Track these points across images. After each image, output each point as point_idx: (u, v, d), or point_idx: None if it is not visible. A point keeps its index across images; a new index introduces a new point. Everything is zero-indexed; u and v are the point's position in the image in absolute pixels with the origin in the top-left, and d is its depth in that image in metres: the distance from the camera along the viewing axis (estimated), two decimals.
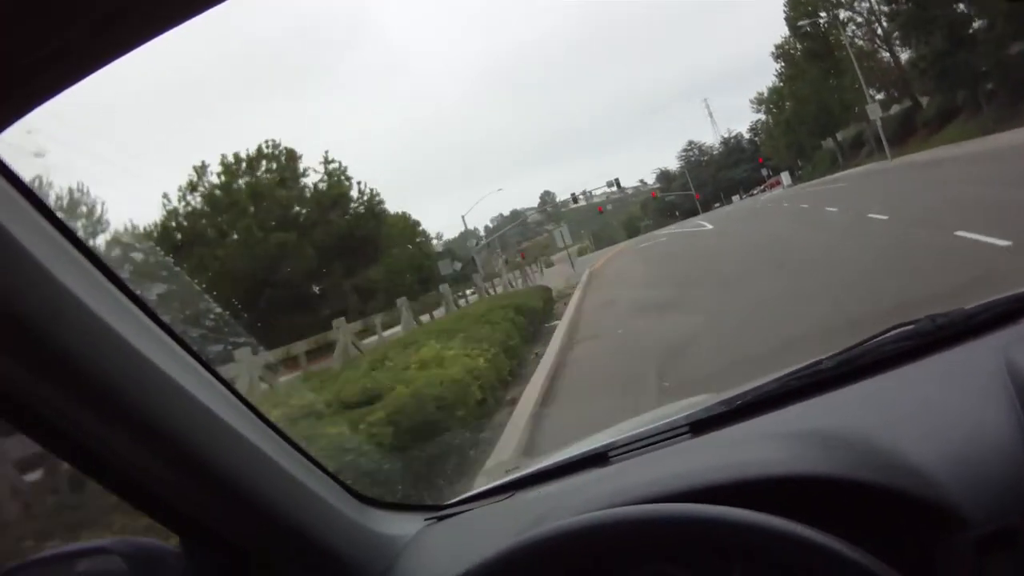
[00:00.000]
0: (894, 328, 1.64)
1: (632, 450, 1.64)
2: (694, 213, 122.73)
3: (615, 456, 1.65)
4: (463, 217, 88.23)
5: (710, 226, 43.09)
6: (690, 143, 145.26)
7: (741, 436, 1.53)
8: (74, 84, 0.95)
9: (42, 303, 0.96)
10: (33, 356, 0.98)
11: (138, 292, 1.12)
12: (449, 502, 1.76)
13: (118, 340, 1.04)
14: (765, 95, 79.96)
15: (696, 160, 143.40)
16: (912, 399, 1.43)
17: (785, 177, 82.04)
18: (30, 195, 0.99)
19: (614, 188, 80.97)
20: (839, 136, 69.37)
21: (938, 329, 1.57)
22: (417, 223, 74.85)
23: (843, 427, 1.38)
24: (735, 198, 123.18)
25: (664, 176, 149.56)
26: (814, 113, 65.62)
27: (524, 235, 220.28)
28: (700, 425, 1.62)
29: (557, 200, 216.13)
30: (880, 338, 1.62)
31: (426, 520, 1.69)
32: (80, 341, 1.00)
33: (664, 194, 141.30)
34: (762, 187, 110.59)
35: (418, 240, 76.80)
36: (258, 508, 1.26)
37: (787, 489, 1.22)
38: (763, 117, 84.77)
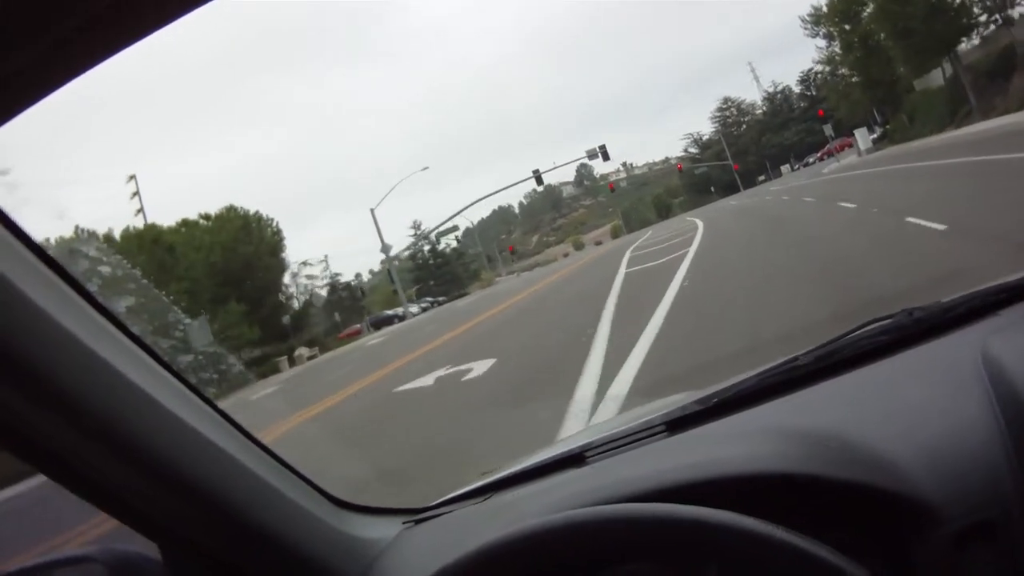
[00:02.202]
0: (871, 322, 1.54)
1: (608, 450, 1.56)
2: (733, 189, 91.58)
3: (591, 456, 1.57)
4: (372, 211, 56.17)
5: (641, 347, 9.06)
6: (727, 100, 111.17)
7: (717, 434, 1.46)
8: (44, 98, 0.93)
9: (8, 316, 0.94)
10: (3, 368, 0.95)
11: (106, 303, 1.08)
12: (427, 505, 1.68)
13: (87, 352, 1.01)
14: (824, 7, 45.82)
15: (735, 122, 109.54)
16: (889, 394, 1.36)
17: (861, 136, 48.46)
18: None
19: (597, 160, 51.86)
20: (950, 63, 36.03)
21: (915, 323, 1.50)
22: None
23: (819, 424, 1.32)
24: (785, 168, 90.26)
25: (697, 143, 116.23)
26: (922, 13, 32.73)
27: (559, 211, 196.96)
28: (676, 424, 1.54)
29: (596, 174, 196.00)
30: (857, 333, 1.53)
31: (404, 523, 1.63)
32: (49, 353, 0.97)
33: (695, 165, 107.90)
34: (821, 152, 77.96)
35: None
36: (234, 516, 1.21)
37: (763, 486, 1.20)
38: (822, 44, 50.28)
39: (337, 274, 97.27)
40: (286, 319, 42.78)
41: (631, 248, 35.55)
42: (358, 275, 58.61)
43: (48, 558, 1.34)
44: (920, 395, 1.30)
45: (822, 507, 1.16)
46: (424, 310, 71.91)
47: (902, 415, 1.25)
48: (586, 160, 58.26)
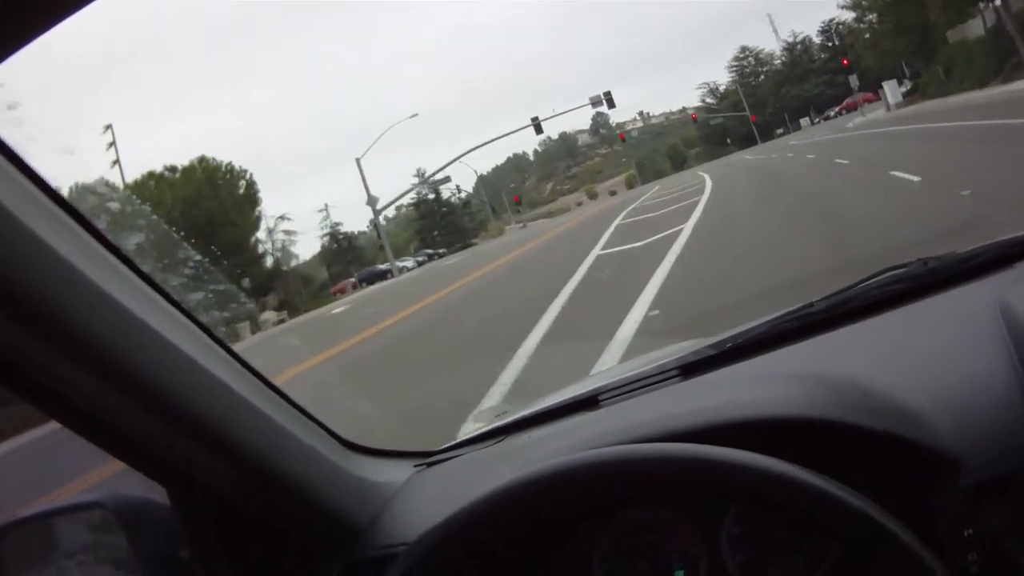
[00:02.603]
0: (885, 271, 1.52)
1: (622, 393, 1.55)
2: (750, 141, 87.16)
3: (605, 400, 1.55)
4: (358, 160, 51.23)
5: None
6: (744, 50, 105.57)
7: (731, 378, 1.44)
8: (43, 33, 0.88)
9: (12, 250, 0.90)
10: (11, 309, 0.91)
11: (114, 240, 1.05)
12: (439, 448, 1.66)
13: (96, 289, 0.97)
14: None
15: (752, 72, 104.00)
16: (904, 342, 1.35)
17: (891, 89, 43.38)
18: (7, 152, 0.93)
19: (602, 108, 48.28)
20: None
21: (930, 272, 1.48)
22: None
23: (834, 370, 1.30)
24: (804, 121, 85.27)
25: (714, 93, 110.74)
26: None
27: (574, 159, 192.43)
28: (690, 368, 1.53)
29: (612, 122, 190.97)
30: (871, 281, 1.52)
31: (415, 466, 1.60)
32: (57, 290, 0.94)
33: (710, 116, 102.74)
34: (840, 107, 73.18)
35: None
36: (242, 457, 1.18)
37: (778, 431, 1.17)
38: None
39: (337, 224, 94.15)
40: (245, 281, 38.61)
41: (620, 216, 31.17)
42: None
43: (54, 505, 1.34)
44: (937, 344, 1.27)
45: (838, 454, 1.13)
46: (420, 264, 68.59)
47: (919, 364, 1.23)
48: (589, 107, 53.10)
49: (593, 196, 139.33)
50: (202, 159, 45.10)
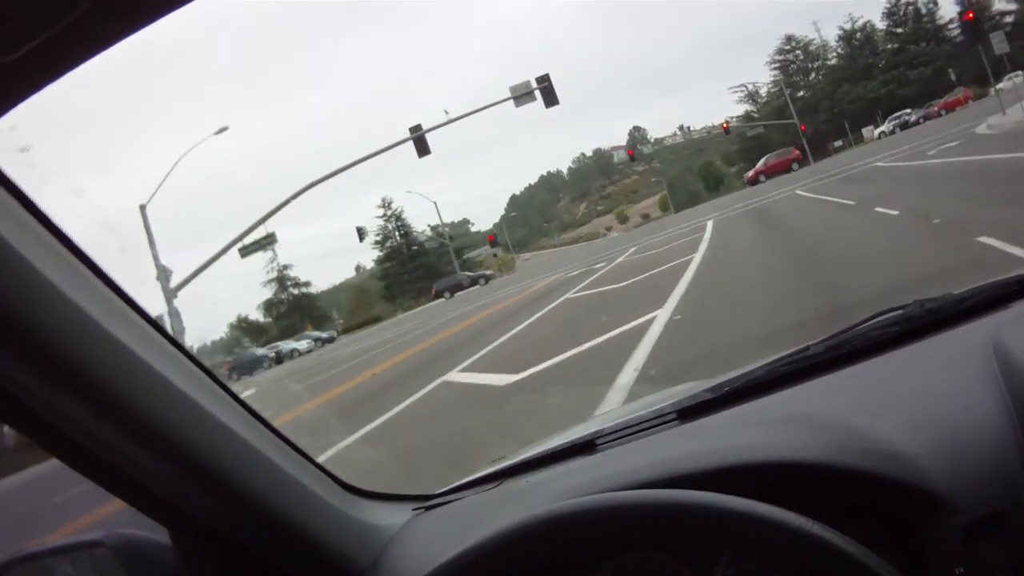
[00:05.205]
0: (883, 313, 1.53)
1: (619, 437, 1.53)
2: (801, 159, 64.73)
3: (603, 444, 1.54)
4: (142, 208, 30.91)
5: None
6: (789, 40, 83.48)
7: (728, 422, 1.43)
8: (61, 77, 0.91)
9: (23, 294, 0.91)
10: (17, 347, 0.92)
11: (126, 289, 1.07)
12: (437, 492, 1.64)
13: (103, 332, 0.99)
14: None
15: (800, 69, 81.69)
16: (900, 385, 1.34)
17: None
18: (14, 191, 0.94)
19: (532, 101, 26.55)
20: None
21: (927, 314, 1.47)
22: None
23: (830, 413, 1.30)
24: (867, 131, 62.85)
25: (753, 98, 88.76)
26: None
27: (609, 178, 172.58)
28: (687, 412, 1.51)
29: (649, 137, 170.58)
30: (868, 323, 1.52)
31: (414, 510, 1.59)
32: (65, 333, 0.95)
33: (746, 125, 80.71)
34: (930, 107, 51.06)
35: None
36: (244, 499, 1.18)
37: (774, 475, 1.18)
38: None
39: (286, 267, 74.73)
40: None
41: None
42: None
43: (56, 544, 1.33)
44: (931, 386, 1.27)
45: (833, 496, 1.13)
46: (322, 343, 49.57)
47: (913, 405, 1.23)
48: (512, 101, 32.44)
49: (624, 220, 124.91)
50: None
